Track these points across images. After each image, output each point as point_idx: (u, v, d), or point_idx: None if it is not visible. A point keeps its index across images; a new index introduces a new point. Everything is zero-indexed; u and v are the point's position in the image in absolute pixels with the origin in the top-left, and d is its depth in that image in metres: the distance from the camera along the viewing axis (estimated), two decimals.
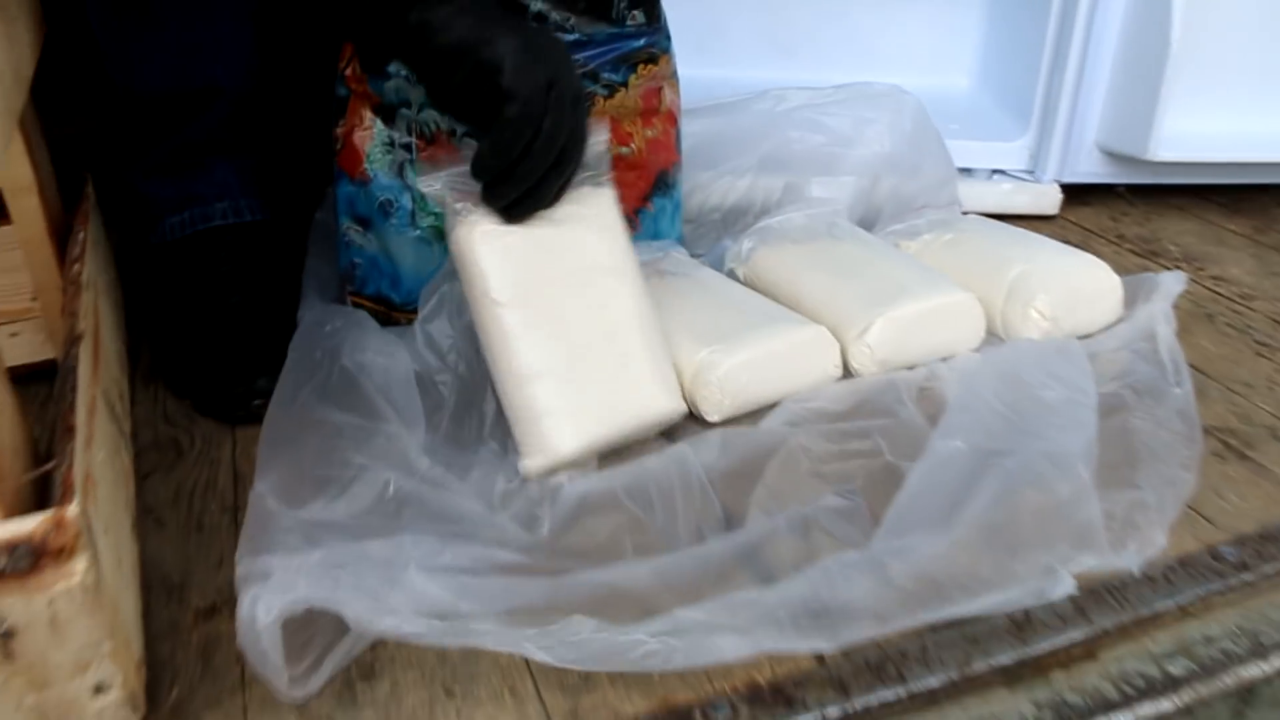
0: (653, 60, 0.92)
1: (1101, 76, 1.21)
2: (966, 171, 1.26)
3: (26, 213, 0.81)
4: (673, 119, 0.97)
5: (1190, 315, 1.04)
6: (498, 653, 0.61)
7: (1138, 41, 1.17)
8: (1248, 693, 0.65)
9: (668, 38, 0.94)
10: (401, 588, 0.59)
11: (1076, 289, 0.93)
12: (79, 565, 0.46)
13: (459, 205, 0.75)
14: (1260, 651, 0.65)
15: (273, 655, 0.55)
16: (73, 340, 0.65)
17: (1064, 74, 1.20)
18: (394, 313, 0.90)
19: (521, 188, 0.72)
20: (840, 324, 0.86)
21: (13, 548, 0.45)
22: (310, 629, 0.59)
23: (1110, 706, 0.61)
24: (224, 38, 0.90)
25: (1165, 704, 0.62)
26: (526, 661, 0.60)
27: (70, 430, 0.53)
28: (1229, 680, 0.64)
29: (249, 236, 0.93)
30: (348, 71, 0.87)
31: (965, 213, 1.12)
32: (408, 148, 0.86)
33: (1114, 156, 1.24)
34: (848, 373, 0.87)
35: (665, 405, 0.77)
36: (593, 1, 0.88)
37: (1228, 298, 1.08)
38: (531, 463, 0.72)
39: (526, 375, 0.73)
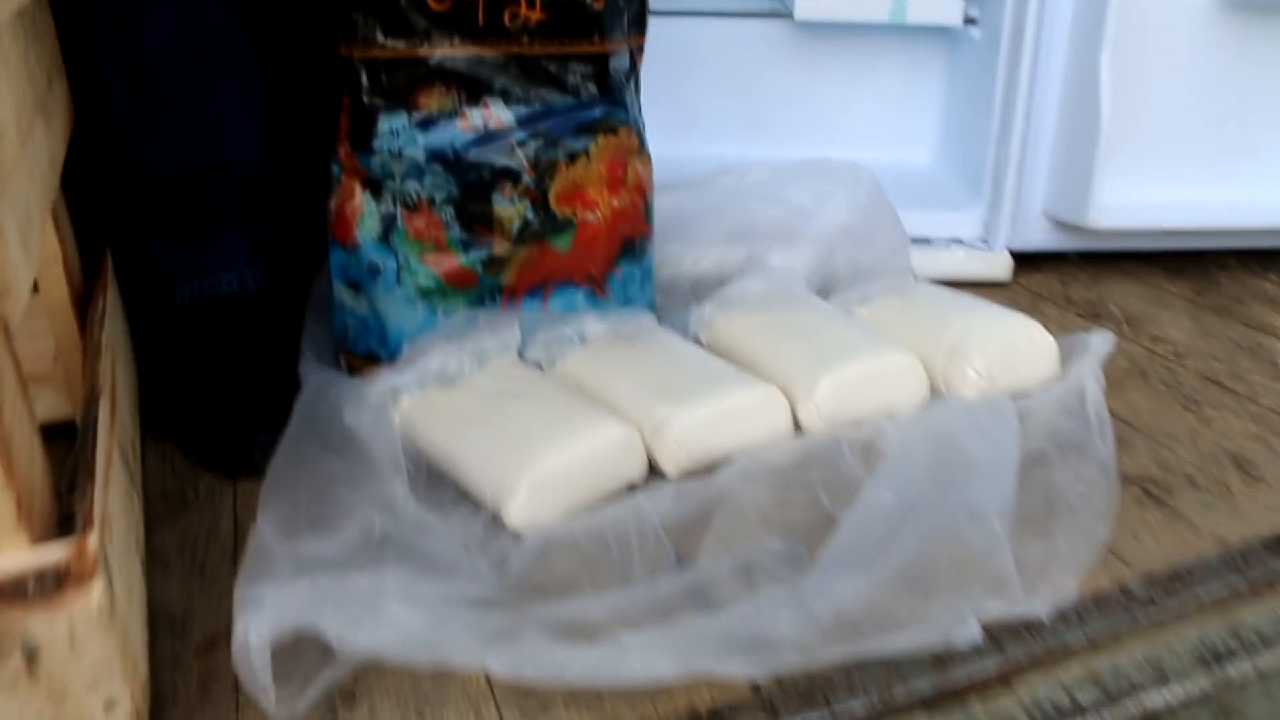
0: (612, 130, 1.00)
1: (1044, 150, 1.30)
2: (926, 241, 1.34)
3: (52, 282, 0.90)
4: (641, 191, 1.05)
5: (1126, 373, 1.11)
6: (465, 679, 0.68)
7: (1073, 118, 1.26)
8: (1152, 719, 0.71)
9: (625, 110, 1.02)
10: (380, 614, 0.65)
11: (1012, 349, 1.01)
12: (96, 588, 0.54)
13: None
14: (1163, 679, 0.72)
15: (262, 675, 0.62)
16: (93, 398, 0.73)
17: (1009, 148, 1.29)
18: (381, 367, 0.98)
19: None
20: (791, 383, 0.94)
21: (41, 573, 0.52)
22: (298, 656, 0.66)
23: None
24: (232, 120, 0.99)
25: None
26: (490, 687, 0.67)
27: (90, 474, 0.61)
28: (1133, 707, 0.70)
29: (253, 303, 1.02)
30: (340, 151, 0.95)
31: (921, 279, 1.20)
32: (392, 217, 0.95)
33: (1060, 224, 1.32)
34: (798, 428, 0.94)
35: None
36: (549, 75, 0.97)
37: (1162, 356, 1.16)
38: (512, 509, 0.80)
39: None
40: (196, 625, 0.74)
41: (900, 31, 1.49)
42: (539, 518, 0.80)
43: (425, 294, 0.96)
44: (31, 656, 0.54)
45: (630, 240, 1.05)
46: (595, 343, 0.99)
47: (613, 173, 1.02)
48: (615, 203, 1.02)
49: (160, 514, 0.87)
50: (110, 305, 0.91)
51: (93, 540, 0.54)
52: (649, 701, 0.66)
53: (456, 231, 0.96)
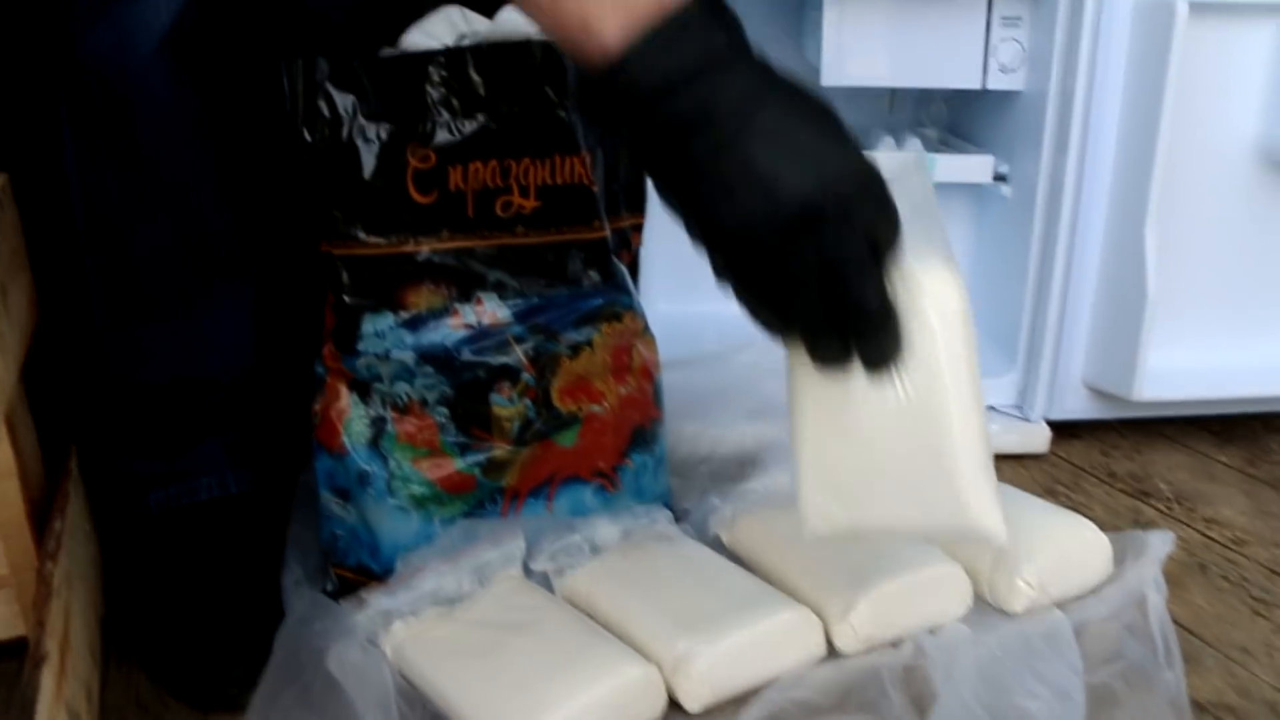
0: (616, 318, 0.94)
1: (1083, 316, 1.22)
2: None
3: (6, 497, 0.82)
4: (649, 375, 0.98)
5: (1183, 566, 1.02)
6: None
7: (1116, 284, 1.19)
8: None
9: (629, 295, 0.96)
10: None
11: (1064, 556, 0.92)
12: None
13: None
14: None
15: None
16: (37, 661, 0.64)
17: (1046, 312, 1.22)
18: (373, 582, 0.90)
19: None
20: (824, 602, 0.85)
21: None
22: None
23: None
24: (224, 330, 0.92)
25: None
26: None
27: None
28: None
29: (233, 508, 0.94)
30: (325, 351, 0.88)
31: None
32: (382, 420, 0.88)
33: (1101, 394, 1.24)
34: (832, 651, 0.85)
35: None
36: (546, 265, 0.91)
37: (1220, 543, 1.07)
38: None
39: None
40: None
41: None
42: None
43: (420, 502, 0.88)
44: None
45: (641, 428, 0.97)
46: (607, 554, 0.90)
47: (618, 360, 0.95)
48: (622, 391, 0.95)
49: None
50: (72, 519, 0.83)
51: None
52: None
53: (452, 434, 0.88)
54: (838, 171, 0.61)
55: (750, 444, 1.09)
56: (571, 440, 0.93)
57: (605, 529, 0.92)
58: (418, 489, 0.88)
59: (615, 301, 0.95)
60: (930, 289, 0.68)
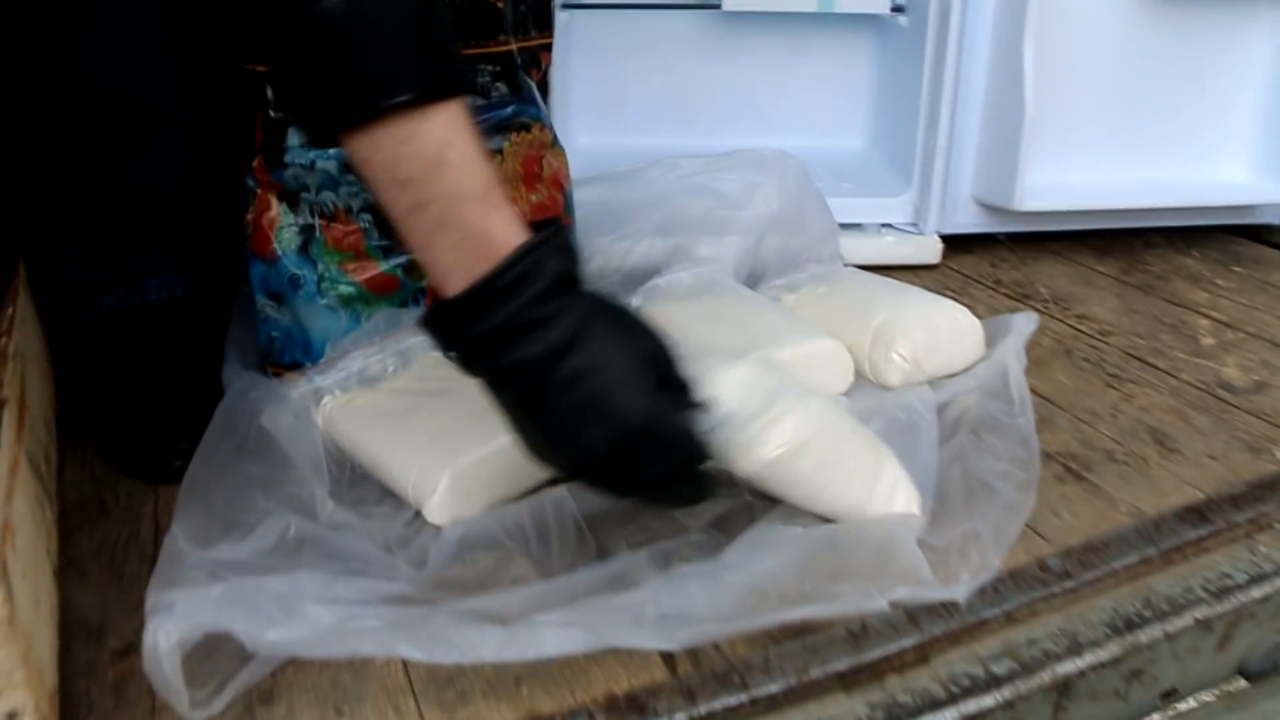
0: (525, 128, 1.01)
1: (971, 136, 1.31)
2: (857, 226, 1.35)
3: None
4: (559, 184, 1.05)
5: (1051, 352, 1.13)
6: (384, 674, 0.68)
7: (998, 104, 1.28)
8: (1065, 687, 0.72)
9: (536, 107, 1.03)
10: (292, 612, 0.65)
11: (937, 333, 1.02)
12: None
13: None
14: (1077, 649, 0.73)
15: (174, 679, 0.61)
16: None
17: (936, 134, 1.30)
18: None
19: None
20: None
21: None
22: (213, 658, 0.66)
23: (937, 704, 0.68)
24: (168, 139, 0.98)
25: (988, 700, 0.69)
26: (409, 681, 0.67)
27: None
28: (1046, 677, 0.71)
29: (178, 309, 1.01)
30: (255, 164, 0.95)
31: (850, 265, 1.22)
32: (310, 228, 0.95)
33: (988, 207, 1.34)
34: None
35: None
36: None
37: (1087, 334, 1.18)
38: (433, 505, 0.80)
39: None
40: (112, 631, 0.73)
41: (829, 20, 1.50)
42: (460, 513, 0.80)
43: (348, 302, 0.96)
44: None
45: None
46: None
47: (528, 169, 1.02)
48: (533, 198, 1.02)
49: (78, 521, 0.85)
50: (21, 314, 0.90)
51: None
52: (567, 689, 0.66)
53: (376, 239, 0.95)
54: (635, 418, 0.67)
55: (658, 253, 1.17)
56: None
57: None
58: (345, 289, 0.96)
59: (523, 113, 1.02)
60: None
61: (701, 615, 0.67)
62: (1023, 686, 0.70)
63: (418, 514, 0.81)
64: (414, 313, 0.98)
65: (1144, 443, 0.96)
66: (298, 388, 0.91)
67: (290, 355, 0.99)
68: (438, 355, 0.94)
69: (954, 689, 0.69)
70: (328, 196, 0.95)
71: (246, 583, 0.68)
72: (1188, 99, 1.35)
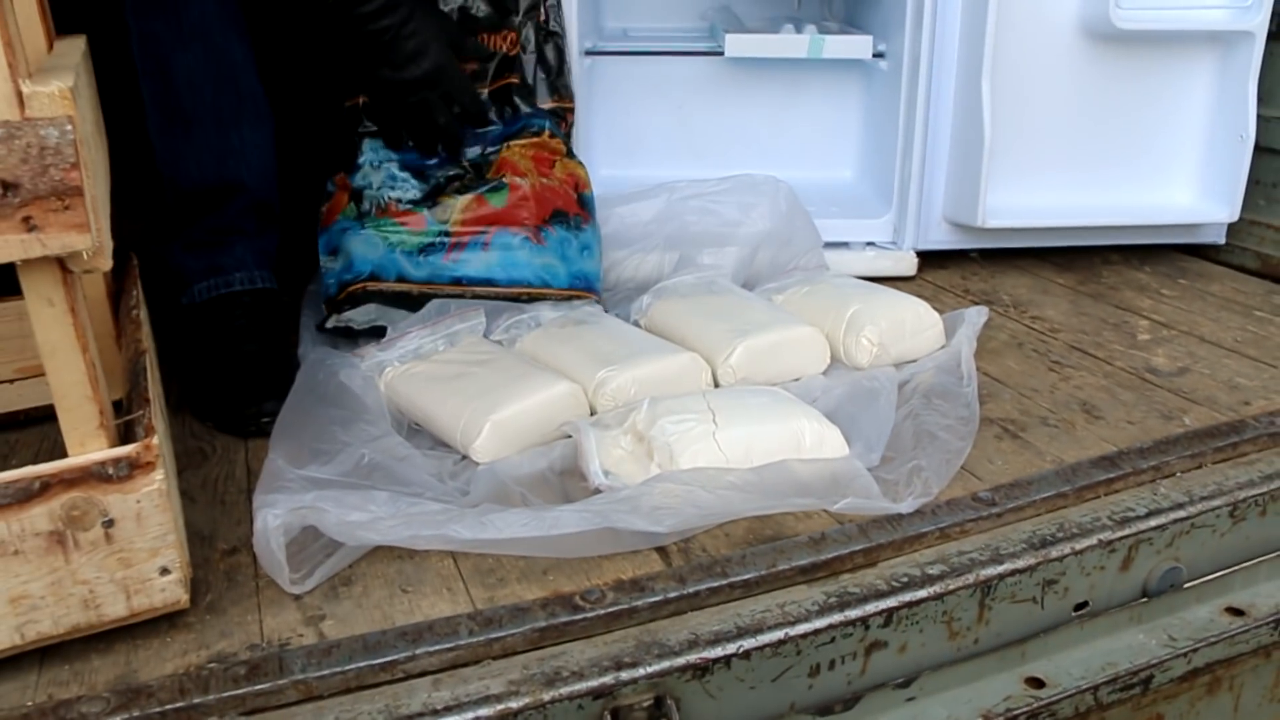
0: (536, 133, 1.25)
1: (942, 162, 1.50)
2: (844, 244, 1.54)
3: (92, 279, 1.08)
4: (574, 183, 1.27)
5: (1005, 345, 1.31)
6: (439, 565, 0.86)
7: (964, 134, 1.46)
8: (988, 588, 0.89)
9: (545, 120, 1.27)
10: (367, 510, 0.84)
11: (902, 322, 1.20)
12: (158, 476, 0.72)
13: None
14: (998, 559, 0.90)
15: (278, 555, 0.80)
16: (137, 354, 0.91)
17: (911, 161, 1.49)
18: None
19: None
20: (711, 351, 1.13)
21: (118, 461, 0.70)
22: (305, 551, 0.84)
23: (881, 595, 0.86)
24: (248, 146, 1.19)
25: (922, 593, 0.87)
26: (459, 569, 0.85)
27: (145, 399, 0.79)
28: (971, 578, 0.89)
29: (260, 300, 1.21)
30: (338, 177, 1.17)
31: (831, 273, 1.40)
32: (368, 212, 1.19)
33: (957, 226, 1.52)
34: (717, 387, 1.13)
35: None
36: (480, 117, 1.26)
37: (1039, 331, 1.35)
38: (478, 446, 0.98)
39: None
40: (221, 537, 0.91)
41: (820, 65, 1.69)
42: (500, 454, 0.98)
43: (385, 236, 1.19)
44: (109, 525, 0.72)
45: (563, 212, 1.26)
46: (548, 325, 1.17)
47: (539, 159, 1.25)
48: (544, 180, 1.24)
49: (183, 465, 1.04)
50: (139, 298, 1.10)
51: (155, 440, 0.72)
52: (583, 576, 0.84)
53: (408, 202, 1.21)
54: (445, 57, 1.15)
55: (666, 264, 1.37)
56: (501, 201, 1.22)
57: (547, 312, 1.19)
58: (384, 225, 1.19)
59: (529, 124, 1.27)
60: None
61: (685, 509, 0.85)
62: (952, 583, 0.88)
63: (464, 457, 1.00)
64: (460, 304, 1.17)
65: (1074, 411, 1.13)
66: (365, 359, 1.09)
67: (336, 281, 1.20)
68: (479, 338, 1.15)
69: (894, 584, 0.87)
70: (385, 192, 1.19)
71: (330, 493, 0.86)
72: (1136, 129, 1.53)
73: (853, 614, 0.84)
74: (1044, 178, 1.52)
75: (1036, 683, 0.91)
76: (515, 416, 1.00)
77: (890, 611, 0.85)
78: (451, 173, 1.22)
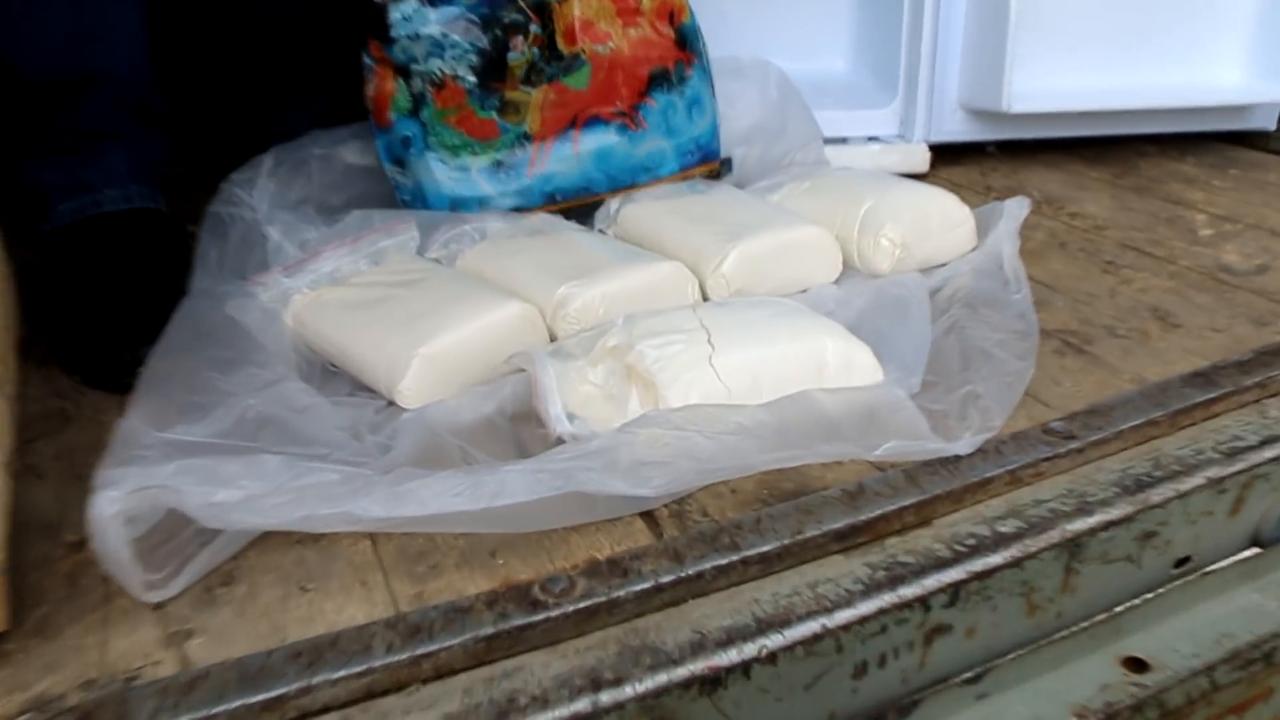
0: None
1: (956, 41, 1.27)
2: (842, 140, 1.32)
3: None
4: (667, 16, 1.03)
5: (1045, 245, 1.09)
6: (351, 553, 0.64)
7: (983, 8, 1.23)
8: (1075, 546, 0.69)
9: None
10: (246, 484, 0.61)
11: (927, 219, 0.98)
12: None
13: None
14: (1087, 509, 0.69)
15: (122, 555, 0.57)
16: None
17: (921, 41, 1.26)
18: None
19: None
20: (698, 259, 0.90)
21: None
22: (171, 542, 0.62)
23: (943, 563, 0.65)
24: (112, 26, 0.94)
25: (995, 558, 0.66)
26: (377, 554, 0.63)
27: None
28: (1055, 535, 0.68)
29: (138, 222, 0.97)
30: (371, 46, 0.98)
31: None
32: (422, 95, 0.96)
33: (976, 114, 1.30)
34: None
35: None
36: None
37: (1082, 229, 1.14)
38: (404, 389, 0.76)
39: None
40: (68, 527, 0.69)
41: None
42: (432, 397, 0.76)
43: (455, 151, 0.97)
44: None
45: (662, 70, 1.03)
46: (496, 237, 0.95)
47: (621, 3, 1.00)
48: (632, 33, 1.00)
49: (40, 431, 0.81)
50: None
51: None
52: (545, 557, 0.63)
53: (477, 93, 0.96)
54: None
55: None
56: (584, 82, 0.99)
57: (494, 222, 0.96)
58: (449, 139, 0.96)
59: None
60: None
61: (679, 464, 0.63)
62: (1031, 544, 0.67)
63: (390, 403, 0.77)
64: (385, 214, 0.94)
65: (1144, 319, 0.92)
66: (266, 289, 0.87)
67: None
68: (409, 254, 0.92)
69: (958, 548, 0.66)
70: (435, 64, 0.96)
71: (199, 462, 0.64)
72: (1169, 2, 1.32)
73: (908, 592, 0.63)
74: (1074, 57, 1.30)
75: (1137, 664, 0.71)
76: (452, 348, 0.77)
77: (956, 586, 0.64)
78: (509, 19, 0.96)
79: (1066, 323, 0.92)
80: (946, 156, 1.33)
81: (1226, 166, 1.35)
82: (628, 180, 1.03)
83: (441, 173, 0.97)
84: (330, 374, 0.83)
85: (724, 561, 0.62)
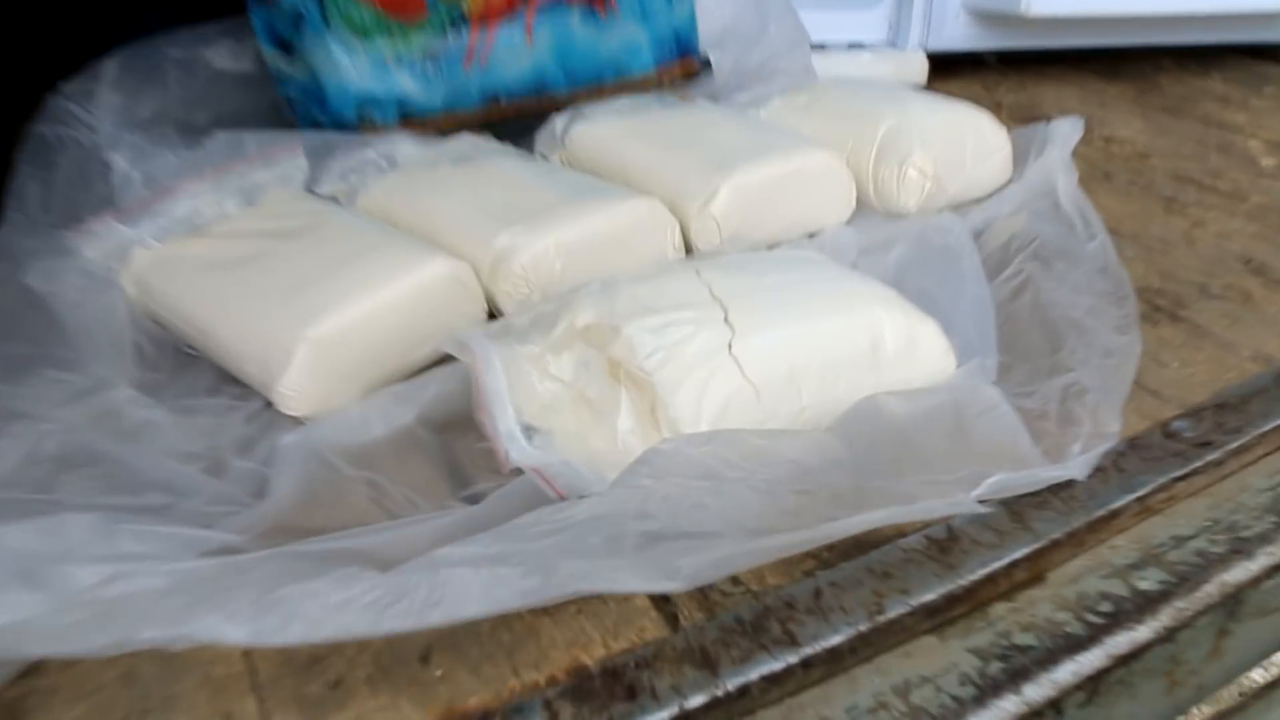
0: None
1: None
2: (821, 46, 1.09)
3: None
4: None
5: (1087, 177, 0.89)
6: (209, 665, 0.41)
7: None
8: (1235, 603, 0.50)
9: None
10: (43, 584, 0.38)
11: (959, 142, 0.77)
12: None
13: None
14: (1244, 550, 0.50)
15: None
16: None
17: None
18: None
19: None
20: (678, 196, 0.68)
21: None
22: None
23: (1075, 644, 0.45)
24: None
25: (1142, 630, 0.46)
26: (252, 671, 0.41)
27: None
28: (1213, 591, 0.48)
29: None
30: None
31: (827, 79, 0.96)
32: None
33: (983, 19, 1.09)
34: (690, 251, 0.69)
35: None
36: None
37: (1123, 157, 0.94)
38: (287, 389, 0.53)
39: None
40: None
41: None
42: (327, 401, 0.53)
43: (364, 33, 0.72)
44: None
45: None
46: (410, 167, 0.71)
47: None
48: None
49: None
50: None
51: None
52: (506, 665, 0.41)
53: None
54: None
55: None
56: None
57: (407, 145, 0.73)
58: (358, 17, 0.71)
59: None
60: None
61: (717, 537, 0.41)
62: (1185, 607, 0.47)
63: (268, 405, 0.54)
64: (262, 137, 0.70)
65: (1238, 273, 0.73)
66: (96, 241, 0.62)
67: (308, 116, 0.75)
68: (294, 191, 0.68)
69: (1091, 618, 0.46)
70: None
71: None
72: None
73: (1035, 694, 0.43)
74: None
75: None
76: (352, 328, 0.54)
77: (1096, 677, 0.44)
78: None
79: (1145, 278, 0.72)
80: (942, 69, 1.12)
81: (1259, 84, 1.16)
82: (593, 78, 0.80)
83: (345, 62, 0.72)
84: (187, 359, 0.59)
85: (778, 666, 0.41)
